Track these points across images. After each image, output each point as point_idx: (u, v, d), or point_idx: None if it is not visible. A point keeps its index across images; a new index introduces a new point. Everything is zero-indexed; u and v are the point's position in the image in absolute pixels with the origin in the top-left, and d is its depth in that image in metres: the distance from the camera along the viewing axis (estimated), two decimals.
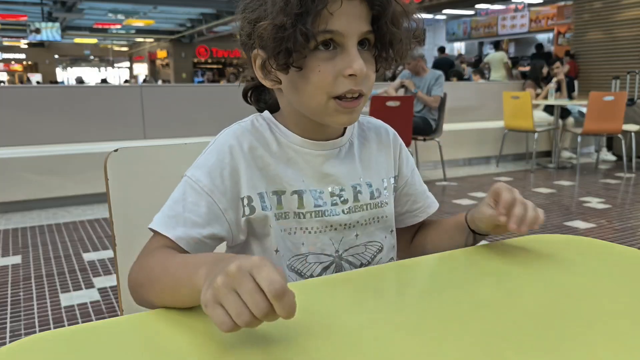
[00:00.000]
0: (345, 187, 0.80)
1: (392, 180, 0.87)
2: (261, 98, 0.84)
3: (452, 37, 15.60)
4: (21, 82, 21.96)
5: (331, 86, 0.70)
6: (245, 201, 0.74)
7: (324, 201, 0.78)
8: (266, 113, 0.81)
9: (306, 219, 0.77)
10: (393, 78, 4.83)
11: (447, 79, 8.09)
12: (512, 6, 13.19)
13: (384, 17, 0.70)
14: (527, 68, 8.03)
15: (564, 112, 6.01)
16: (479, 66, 9.90)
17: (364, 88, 0.72)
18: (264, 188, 0.76)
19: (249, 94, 0.85)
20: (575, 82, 6.92)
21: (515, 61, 10.42)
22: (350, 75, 0.69)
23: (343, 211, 0.79)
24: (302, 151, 0.78)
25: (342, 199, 0.79)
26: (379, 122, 0.90)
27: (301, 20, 0.65)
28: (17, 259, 2.87)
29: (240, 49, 0.79)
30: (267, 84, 0.75)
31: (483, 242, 0.83)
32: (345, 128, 0.82)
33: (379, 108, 4.13)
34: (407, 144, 4.41)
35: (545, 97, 6.14)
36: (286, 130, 0.79)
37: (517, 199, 0.73)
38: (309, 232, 0.77)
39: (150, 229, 0.73)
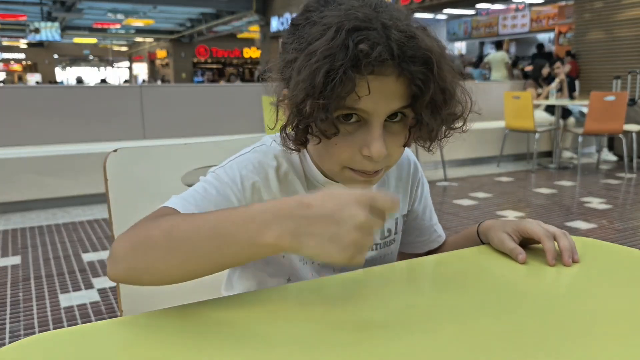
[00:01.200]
0: None
1: (404, 218, 0.85)
2: None
3: (452, 37, 15.61)
4: (19, 81, 21.97)
5: (346, 161, 0.66)
6: None
7: None
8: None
9: None
10: None
11: None
12: (513, 6, 13.19)
13: (422, 99, 0.62)
14: (531, 68, 8.04)
15: (565, 112, 6.01)
16: (479, 66, 9.91)
17: (384, 165, 0.68)
18: None
19: None
20: (576, 82, 6.93)
21: (515, 62, 10.41)
22: (367, 155, 0.64)
23: None
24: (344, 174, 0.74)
25: None
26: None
27: (323, 106, 0.59)
28: (16, 260, 2.86)
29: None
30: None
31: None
32: None
33: None
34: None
35: (546, 97, 6.14)
36: (312, 165, 0.75)
37: (550, 233, 0.71)
38: (318, 264, 0.78)
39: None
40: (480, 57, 11.11)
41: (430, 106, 0.63)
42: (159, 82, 19.49)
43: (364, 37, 0.58)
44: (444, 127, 0.67)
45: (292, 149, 0.68)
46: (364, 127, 0.64)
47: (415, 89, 0.61)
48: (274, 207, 0.52)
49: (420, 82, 0.60)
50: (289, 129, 0.66)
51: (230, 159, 0.74)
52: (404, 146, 0.69)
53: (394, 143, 0.66)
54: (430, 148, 0.70)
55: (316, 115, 0.60)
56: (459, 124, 0.68)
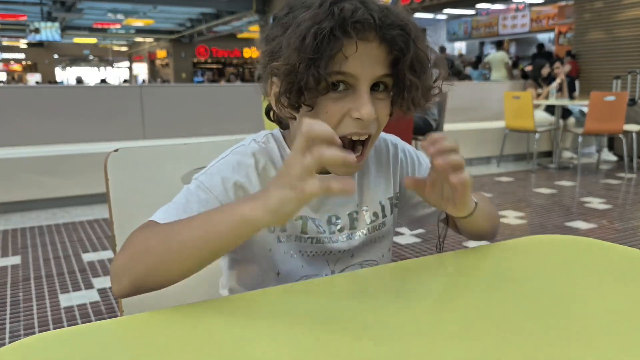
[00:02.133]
0: (340, 216, 0.79)
1: (392, 200, 0.85)
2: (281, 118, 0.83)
3: (452, 37, 15.61)
4: (12, 81, 21.95)
5: (337, 126, 0.68)
6: None
7: (323, 229, 0.78)
8: (277, 131, 0.81)
9: (306, 244, 0.77)
10: None
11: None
12: (513, 6, 13.20)
13: (402, 62, 0.67)
14: (530, 68, 8.06)
15: (565, 112, 6.01)
16: (478, 66, 9.92)
17: (371, 131, 0.70)
18: None
19: (271, 113, 0.83)
20: (576, 82, 6.93)
21: (516, 62, 10.42)
22: (357, 118, 0.67)
23: (341, 238, 0.79)
24: None
25: (338, 227, 0.79)
26: (383, 137, 0.87)
27: (314, 63, 0.64)
28: (16, 260, 2.86)
29: (258, 72, 0.76)
30: (282, 114, 0.74)
31: (485, 244, 0.83)
32: None
33: None
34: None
35: (546, 97, 6.14)
36: None
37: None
38: (308, 255, 0.78)
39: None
40: (479, 58, 11.11)
41: (410, 69, 0.67)
42: (159, 82, 19.49)
43: (346, 6, 0.64)
44: (420, 92, 0.70)
45: (288, 117, 0.73)
46: (352, 94, 0.68)
47: (396, 53, 0.67)
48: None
49: (401, 45, 0.66)
50: (282, 100, 0.69)
51: (212, 163, 0.77)
52: (390, 115, 0.73)
53: (380, 110, 0.70)
54: (407, 113, 0.74)
55: (310, 72, 0.63)
56: (436, 89, 0.73)
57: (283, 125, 0.81)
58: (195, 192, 0.73)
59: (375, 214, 0.82)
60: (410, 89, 0.69)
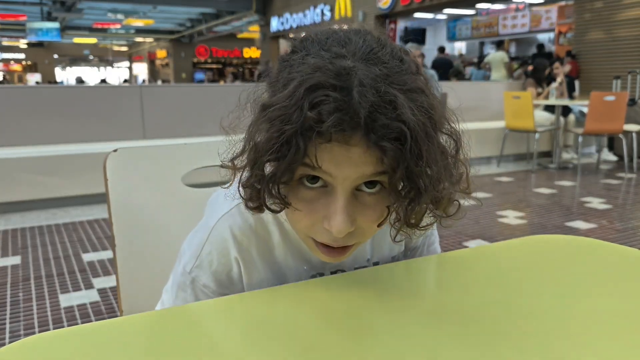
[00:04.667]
0: (347, 271, 0.72)
1: (401, 255, 0.78)
2: None
3: (452, 37, 15.60)
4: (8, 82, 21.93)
5: (309, 230, 0.57)
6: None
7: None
8: None
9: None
10: None
11: (447, 78, 8.10)
12: (513, 6, 13.19)
13: (392, 180, 0.52)
14: (531, 68, 8.06)
15: (565, 110, 6.01)
16: (480, 66, 9.91)
17: (349, 243, 0.57)
18: (269, 283, 0.69)
19: None
20: (576, 82, 6.93)
21: (525, 61, 10.41)
22: (327, 230, 0.55)
23: None
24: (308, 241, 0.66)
25: None
26: None
27: (271, 173, 0.51)
28: (16, 260, 2.86)
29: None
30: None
31: (484, 243, 0.83)
32: None
33: None
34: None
35: (546, 97, 6.14)
36: None
37: None
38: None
39: None
40: (481, 58, 11.11)
41: (404, 187, 0.53)
42: (159, 82, 19.50)
43: (323, 100, 0.49)
44: (422, 212, 0.56)
45: (252, 211, 0.59)
46: (329, 195, 0.54)
47: (385, 166, 0.51)
48: None
49: (391, 159, 0.50)
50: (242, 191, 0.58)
51: (191, 257, 0.67)
52: (379, 225, 0.57)
53: (366, 217, 0.55)
54: (409, 235, 0.58)
55: (265, 182, 0.52)
56: (448, 209, 0.57)
57: None
58: (196, 292, 0.67)
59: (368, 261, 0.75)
60: (403, 211, 0.54)
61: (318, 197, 0.55)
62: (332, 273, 0.73)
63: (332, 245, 0.57)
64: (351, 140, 0.50)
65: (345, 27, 0.59)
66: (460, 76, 8.65)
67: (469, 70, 10.03)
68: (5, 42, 23.73)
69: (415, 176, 0.51)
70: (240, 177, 0.56)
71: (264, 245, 0.67)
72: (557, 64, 6.36)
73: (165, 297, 0.72)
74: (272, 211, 0.56)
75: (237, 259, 0.66)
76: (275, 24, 14.62)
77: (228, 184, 0.60)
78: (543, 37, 13.56)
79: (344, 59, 0.52)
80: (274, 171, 0.51)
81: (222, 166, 0.57)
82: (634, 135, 5.36)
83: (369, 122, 0.49)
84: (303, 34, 0.60)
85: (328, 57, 0.52)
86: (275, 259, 0.68)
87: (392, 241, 0.59)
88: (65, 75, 28.26)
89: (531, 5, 12.57)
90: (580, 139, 5.32)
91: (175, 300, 0.69)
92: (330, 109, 0.48)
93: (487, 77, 9.54)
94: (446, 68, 8.70)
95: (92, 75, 28.23)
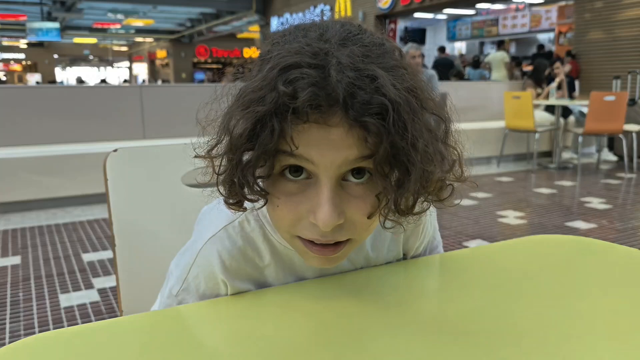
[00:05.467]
0: None
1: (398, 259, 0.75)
2: None
3: (452, 37, 15.59)
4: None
5: (294, 228, 0.53)
6: None
7: None
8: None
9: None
10: None
11: (447, 79, 8.10)
12: (513, 6, 13.19)
13: (376, 157, 0.48)
14: (530, 67, 8.06)
15: (566, 111, 6.01)
16: (479, 66, 9.91)
17: (339, 238, 0.53)
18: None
19: None
20: (576, 82, 6.93)
21: (520, 62, 10.42)
22: (313, 223, 0.51)
23: None
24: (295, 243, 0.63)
25: None
26: None
27: (245, 162, 0.49)
28: (16, 260, 2.86)
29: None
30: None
31: (484, 243, 0.83)
32: None
33: None
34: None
35: (546, 97, 6.14)
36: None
37: None
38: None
39: None
40: (478, 57, 11.11)
41: (390, 169, 0.48)
42: (159, 82, 19.50)
43: (297, 77, 0.46)
44: (412, 196, 0.51)
45: (231, 208, 0.55)
46: (313, 186, 0.50)
47: (369, 145, 0.47)
48: None
49: (374, 136, 0.46)
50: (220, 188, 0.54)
51: (178, 280, 0.65)
52: (369, 217, 0.52)
53: (355, 209, 0.51)
54: (401, 224, 0.54)
55: (241, 170, 0.49)
56: (440, 192, 0.54)
57: None
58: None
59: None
60: (391, 196, 0.49)
61: (302, 190, 0.51)
62: None
63: (321, 240, 0.52)
64: (330, 121, 0.47)
65: (327, 20, 0.57)
66: (460, 76, 8.66)
67: (466, 70, 10.03)
68: (5, 42, 23.73)
69: (402, 153, 0.47)
70: (218, 173, 0.53)
71: (253, 266, 0.64)
72: (557, 64, 6.36)
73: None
74: (251, 201, 0.52)
75: (225, 282, 0.63)
76: (275, 24, 14.62)
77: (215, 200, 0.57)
78: (543, 37, 13.57)
79: (322, 42, 0.49)
80: (250, 157, 0.48)
81: (196, 156, 0.55)
82: (634, 135, 5.36)
83: (347, 98, 0.46)
84: (281, 29, 0.57)
85: (305, 41, 0.50)
86: (266, 279, 0.66)
87: (382, 227, 0.54)
88: (65, 75, 28.26)
89: (531, 5, 12.57)
90: (580, 139, 5.32)
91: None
92: (305, 84, 0.45)
93: (484, 77, 9.54)
94: (447, 68, 8.70)
95: (92, 75, 28.23)
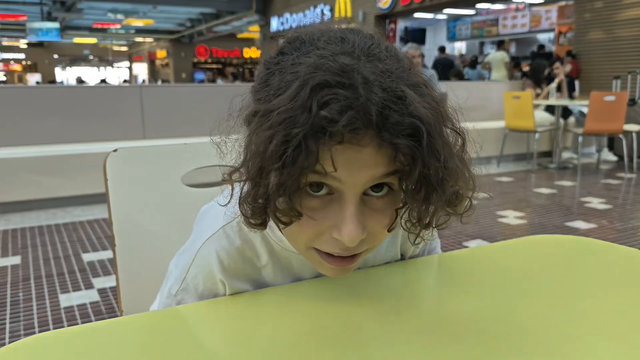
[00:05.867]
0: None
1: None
2: None
3: (452, 37, 15.59)
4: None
5: (312, 241, 0.53)
6: None
7: None
8: None
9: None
10: None
11: (447, 79, 8.10)
12: (513, 6, 13.19)
13: (409, 177, 0.49)
14: (528, 67, 8.06)
15: (566, 112, 6.01)
16: (476, 66, 9.92)
17: (359, 250, 0.54)
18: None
19: None
20: (576, 82, 6.93)
21: (518, 63, 10.42)
22: (336, 239, 0.51)
23: None
24: (299, 258, 0.65)
25: None
26: None
27: (279, 182, 0.47)
28: (16, 260, 2.86)
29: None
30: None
31: (484, 243, 0.83)
32: None
33: None
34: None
35: (546, 97, 6.14)
36: (281, 236, 0.61)
37: None
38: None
39: None
40: (476, 57, 11.11)
41: (419, 186, 0.50)
42: (159, 82, 19.52)
43: (332, 98, 0.46)
44: (437, 211, 0.53)
45: (254, 228, 0.54)
46: (336, 202, 0.51)
47: (399, 164, 0.48)
48: None
49: (407, 157, 0.47)
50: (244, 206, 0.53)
51: (177, 280, 0.66)
52: (389, 230, 0.54)
53: (376, 222, 0.52)
54: (423, 237, 0.55)
55: (273, 193, 0.48)
56: (456, 208, 0.54)
57: None
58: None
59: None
60: (418, 210, 0.51)
61: (324, 205, 0.51)
62: None
63: (341, 254, 0.53)
64: (362, 141, 0.47)
65: (334, 26, 0.57)
66: (460, 76, 8.66)
67: (464, 70, 10.03)
68: (5, 42, 23.72)
69: (432, 173, 0.48)
70: (240, 193, 0.52)
71: (251, 267, 0.65)
72: (557, 64, 6.36)
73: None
74: (283, 223, 0.51)
75: (223, 282, 0.64)
76: (275, 24, 14.62)
77: (225, 202, 0.57)
78: (543, 37, 13.57)
79: (344, 56, 0.49)
80: (284, 179, 0.47)
81: (222, 181, 0.54)
82: (634, 135, 5.36)
83: (379, 119, 0.46)
84: (289, 35, 0.57)
85: (326, 54, 0.49)
86: (264, 280, 0.67)
87: (412, 244, 0.57)
88: (65, 75, 28.25)
89: (531, 5, 12.57)
90: (580, 139, 5.32)
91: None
92: (340, 107, 0.45)
93: (482, 77, 9.54)
94: (447, 68, 8.70)
95: (92, 75, 28.22)
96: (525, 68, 9.59)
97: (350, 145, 0.47)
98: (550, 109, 6.09)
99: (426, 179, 0.49)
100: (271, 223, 0.56)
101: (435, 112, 0.49)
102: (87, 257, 2.90)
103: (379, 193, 0.52)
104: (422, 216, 0.52)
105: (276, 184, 0.47)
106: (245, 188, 0.52)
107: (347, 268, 0.56)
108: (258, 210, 0.51)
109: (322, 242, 0.53)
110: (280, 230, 0.55)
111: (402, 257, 0.76)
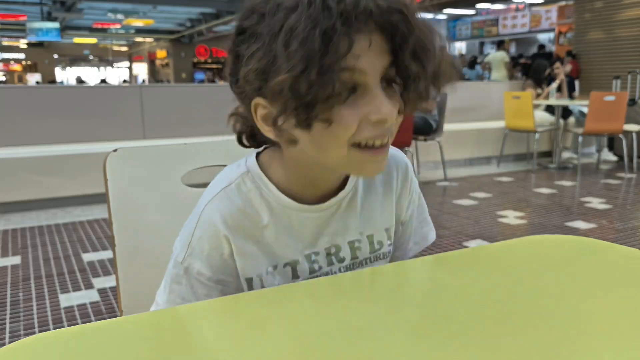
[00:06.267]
0: (341, 246, 0.73)
1: (391, 229, 0.79)
2: (256, 139, 0.73)
3: (453, 37, 15.60)
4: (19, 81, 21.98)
5: (356, 134, 0.60)
6: (246, 282, 0.70)
7: (320, 265, 0.72)
8: (255, 168, 0.70)
9: (301, 279, 0.72)
10: None
11: None
12: (513, 6, 13.20)
13: (404, 50, 0.58)
14: (524, 60, 8.05)
15: (566, 112, 6.01)
16: (475, 66, 9.92)
17: (391, 133, 0.62)
18: (263, 266, 0.69)
19: (243, 138, 0.74)
20: (576, 82, 6.93)
21: (516, 63, 10.43)
22: (377, 120, 0.59)
23: (340, 269, 0.74)
24: (299, 216, 0.70)
25: (338, 257, 0.73)
26: (391, 154, 0.77)
27: (328, 69, 0.54)
28: (16, 260, 2.86)
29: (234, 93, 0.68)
30: (278, 138, 0.64)
31: (484, 243, 0.83)
32: (347, 177, 0.73)
33: None
34: (408, 144, 4.40)
35: (547, 98, 6.14)
36: (279, 194, 0.69)
37: None
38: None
39: None
40: (475, 58, 11.11)
41: (414, 56, 0.58)
42: (165, 82, 19.54)
43: None
44: (430, 82, 0.61)
45: (285, 141, 0.63)
46: (363, 95, 0.59)
47: (398, 40, 0.58)
48: None
49: (403, 31, 0.57)
50: (283, 120, 0.59)
51: (182, 247, 0.69)
52: (399, 112, 0.63)
53: (392, 106, 0.61)
54: (424, 107, 0.65)
55: (322, 80, 0.54)
56: (445, 80, 0.63)
57: (259, 145, 0.73)
58: (192, 282, 0.68)
59: (379, 242, 0.76)
60: (417, 79, 0.60)
61: (356, 101, 0.59)
62: (325, 249, 0.73)
63: (382, 139, 0.60)
64: (368, 27, 0.57)
65: None
66: (460, 76, 8.65)
67: (463, 70, 10.03)
68: (5, 42, 23.73)
69: (421, 48, 0.58)
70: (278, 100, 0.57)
71: (254, 226, 0.69)
72: (557, 64, 6.37)
73: (158, 299, 0.71)
74: (326, 121, 0.58)
75: (227, 238, 0.67)
76: None
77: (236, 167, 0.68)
78: (543, 37, 13.57)
79: None
80: (329, 64, 0.54)
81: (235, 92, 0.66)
82: (634, 135, 5.36)
83: (379, 9, 0.56)
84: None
85: None
86: (266, 239, 0.69)
87: (410, 112, 0.64)
88: (65, 75, 28.25)
89: (531, 5, 12.57)
90: (580, 139, 5.32)
91: (170, 295, 0.69)
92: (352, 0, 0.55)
93: (480, 77, 9.54)
94: None
95: (92, 75, 28.22)
96: (524, 62, 9.57)
97: (362, 34, 0.56)
98: (550, 109, 6.09)
99: (418, 49, 0.58)
100: (265, 180, 0.68)
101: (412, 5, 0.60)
102: (87, 257, 2.90)
103: (384, 86, 0.60)
104: (419, 86, 0.60)
105: (325, 68, 0.54)
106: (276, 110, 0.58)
107: (383, 160, 0.63)
108: (303, 110, 0.56)
109: (362, 131, 0.59)
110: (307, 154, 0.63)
111: (396, 233, 0.80)
